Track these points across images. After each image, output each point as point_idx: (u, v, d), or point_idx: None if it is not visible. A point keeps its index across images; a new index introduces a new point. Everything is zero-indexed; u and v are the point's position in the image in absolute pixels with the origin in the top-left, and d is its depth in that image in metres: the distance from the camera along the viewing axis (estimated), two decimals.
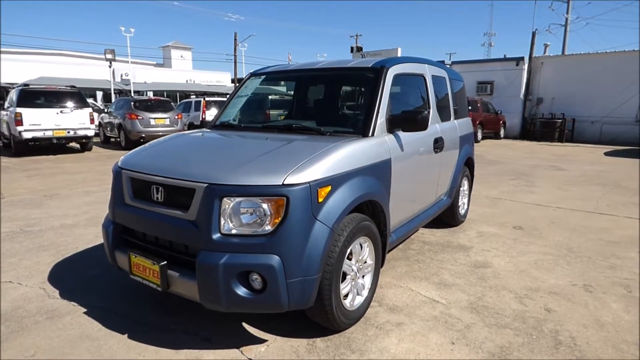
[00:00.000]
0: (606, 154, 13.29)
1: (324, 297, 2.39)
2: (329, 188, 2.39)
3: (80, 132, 11.76)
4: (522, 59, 19.24)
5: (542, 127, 18.14)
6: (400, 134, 3.20)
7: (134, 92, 33.66)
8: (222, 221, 2.24)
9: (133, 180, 2.71)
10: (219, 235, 2.23)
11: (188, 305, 2.93)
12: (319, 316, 2.52)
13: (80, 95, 12.15)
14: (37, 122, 11.03)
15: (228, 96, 4.40)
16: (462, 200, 5.09)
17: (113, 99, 24.05)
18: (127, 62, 36.14)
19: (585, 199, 6.63)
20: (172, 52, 56.65)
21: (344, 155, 2.56)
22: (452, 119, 4.54)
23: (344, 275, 2.61)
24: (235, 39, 35.50)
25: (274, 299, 2.22)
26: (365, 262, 2.83)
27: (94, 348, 2.50)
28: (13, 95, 11.65)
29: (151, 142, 3.28)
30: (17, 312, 2.91)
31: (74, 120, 11.60)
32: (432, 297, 3.18)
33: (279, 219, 2.21)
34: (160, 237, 2.54)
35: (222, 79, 52.61)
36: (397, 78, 3.36)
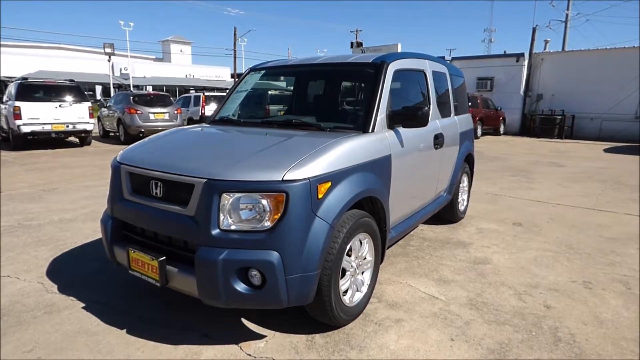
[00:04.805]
0: (606, 150, 13.29)
1: (324, 293, 2.38)
2: (329, 184, 2.37)
3: (79, 127, 11.73)
4: (522, 55, 19.18)
5: (542, 123, 18.12)
6: (401, 130, 3.19)
7: (133, 86, 33.58)
8: (222, 217, 2.22)
9: (132, 175, 2.69)
10: (218, 231, 2.22)
11: (187, 301, 2.92)
12: (318, 312, 2.51)
13: (79, 89, 12.09)
14: (36, 116, 10.99)
15: (227, 91, 4.38)
16: (462, 197, 5.08)
17: (112, 94, 23.98)
18: (127, 56, 36.07)
19: (585, 195, 6.63)
20: (172, 46, 56.56)
21: (344, 152, 2.55)
22: (452, 115, 4.52)
23: (344, 271, 2.61)
24: (235, 34, 35.39)
25: (273, 295, 2.22)
26: (365, 258, 2.82)
27: (93, 343, 2.49)
28: (12, 88, 11.60)
29: (150, 137, 3.26)
30: (15, 307, 2.90)
31: (72, 114, 11.56)
32: (431, 293, 3.18)
33: (279, 215, 2.20)
34: (159, 232, 2.53)
35: (221, 74, 52.58)
36: (398, 74, 3.34)
